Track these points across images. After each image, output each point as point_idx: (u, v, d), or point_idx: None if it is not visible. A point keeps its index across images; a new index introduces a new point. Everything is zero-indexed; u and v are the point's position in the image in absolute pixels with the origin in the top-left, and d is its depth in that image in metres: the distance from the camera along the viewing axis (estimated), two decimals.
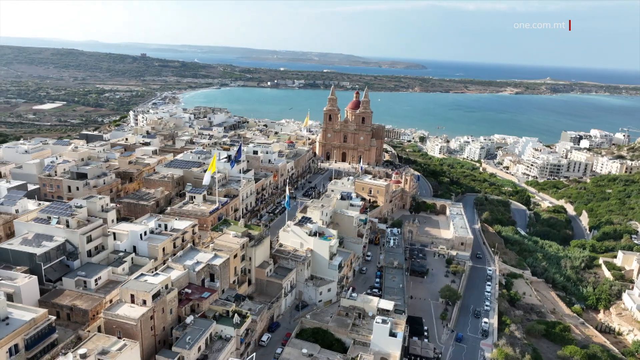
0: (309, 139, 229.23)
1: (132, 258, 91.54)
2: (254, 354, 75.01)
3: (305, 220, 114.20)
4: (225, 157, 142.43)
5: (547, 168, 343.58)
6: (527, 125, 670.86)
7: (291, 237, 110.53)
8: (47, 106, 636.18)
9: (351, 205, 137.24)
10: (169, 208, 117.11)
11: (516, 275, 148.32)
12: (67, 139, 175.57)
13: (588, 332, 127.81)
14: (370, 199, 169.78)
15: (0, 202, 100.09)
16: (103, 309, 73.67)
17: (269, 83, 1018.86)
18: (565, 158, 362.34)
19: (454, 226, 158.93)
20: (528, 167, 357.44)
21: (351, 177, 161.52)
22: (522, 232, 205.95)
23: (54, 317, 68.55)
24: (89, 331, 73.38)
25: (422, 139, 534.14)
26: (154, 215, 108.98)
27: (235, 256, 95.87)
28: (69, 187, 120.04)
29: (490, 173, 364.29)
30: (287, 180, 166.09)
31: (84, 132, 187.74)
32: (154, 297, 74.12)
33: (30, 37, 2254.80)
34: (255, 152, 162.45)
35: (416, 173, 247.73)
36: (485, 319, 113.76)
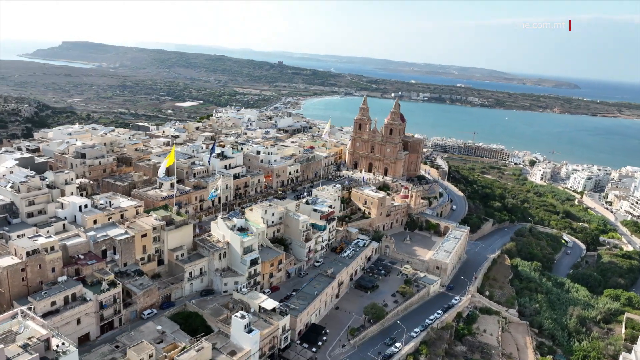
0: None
1: (64, 224, 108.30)
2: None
3: (233, 215, 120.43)
4: (215, 154, 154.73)
5: None
6: None
7: (218, 229, 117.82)
8: (186, 104, 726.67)
9: (314, 210, 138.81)
10: (134, 190, 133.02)
11: (490, 311, 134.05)
12: (113, 126, 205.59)
13: None
14: (365, 210, 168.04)
15: None
16: None
17: (392, 94, 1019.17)
18: None
19: (438, 249, 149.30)
20: (633, 204, 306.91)
21: (337, 185, 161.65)
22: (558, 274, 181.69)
23: None
24: None
25: (532, 163, 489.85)
26: (114, 194, 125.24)
27: (144, 236, 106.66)
28: (71, 164, 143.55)
29: (585, 207, 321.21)
30: (285, 182, 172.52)
31: (137, 123, 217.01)
32: (29, 254, 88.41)
33: (193, 44, 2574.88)
34: (258, 152, 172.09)
35: (459, 193, 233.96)
36: (399, 343, 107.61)
